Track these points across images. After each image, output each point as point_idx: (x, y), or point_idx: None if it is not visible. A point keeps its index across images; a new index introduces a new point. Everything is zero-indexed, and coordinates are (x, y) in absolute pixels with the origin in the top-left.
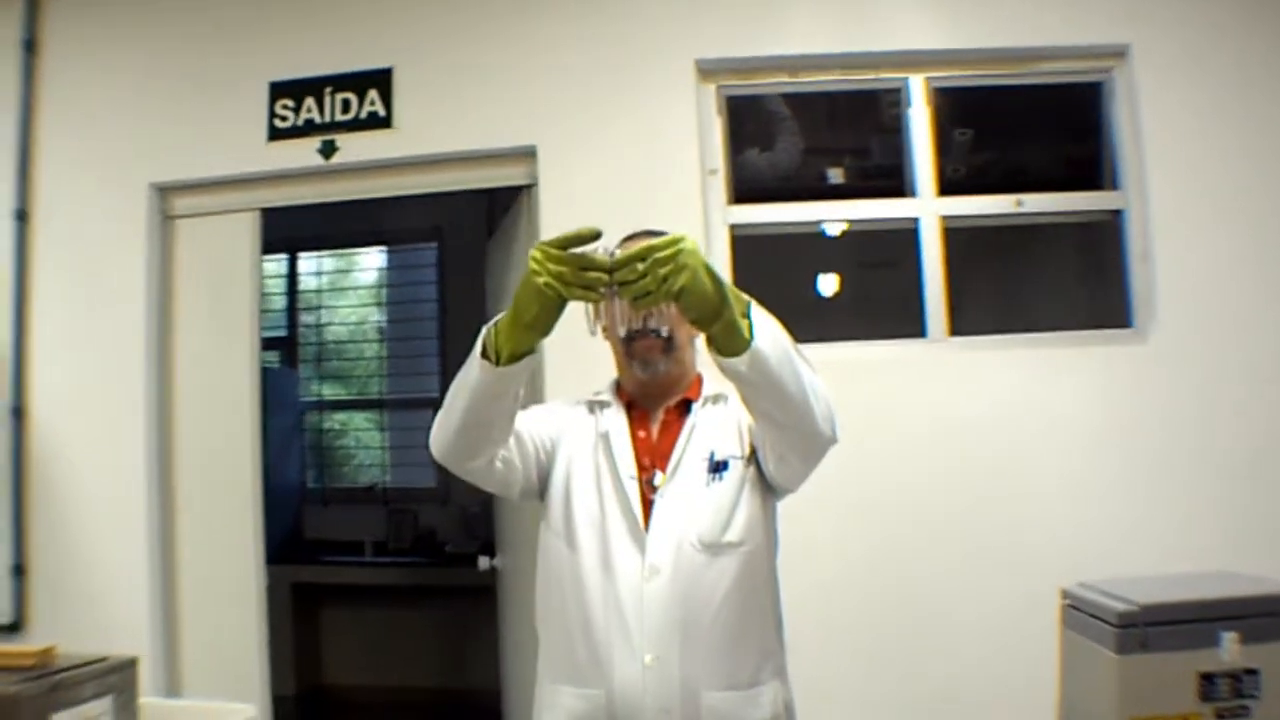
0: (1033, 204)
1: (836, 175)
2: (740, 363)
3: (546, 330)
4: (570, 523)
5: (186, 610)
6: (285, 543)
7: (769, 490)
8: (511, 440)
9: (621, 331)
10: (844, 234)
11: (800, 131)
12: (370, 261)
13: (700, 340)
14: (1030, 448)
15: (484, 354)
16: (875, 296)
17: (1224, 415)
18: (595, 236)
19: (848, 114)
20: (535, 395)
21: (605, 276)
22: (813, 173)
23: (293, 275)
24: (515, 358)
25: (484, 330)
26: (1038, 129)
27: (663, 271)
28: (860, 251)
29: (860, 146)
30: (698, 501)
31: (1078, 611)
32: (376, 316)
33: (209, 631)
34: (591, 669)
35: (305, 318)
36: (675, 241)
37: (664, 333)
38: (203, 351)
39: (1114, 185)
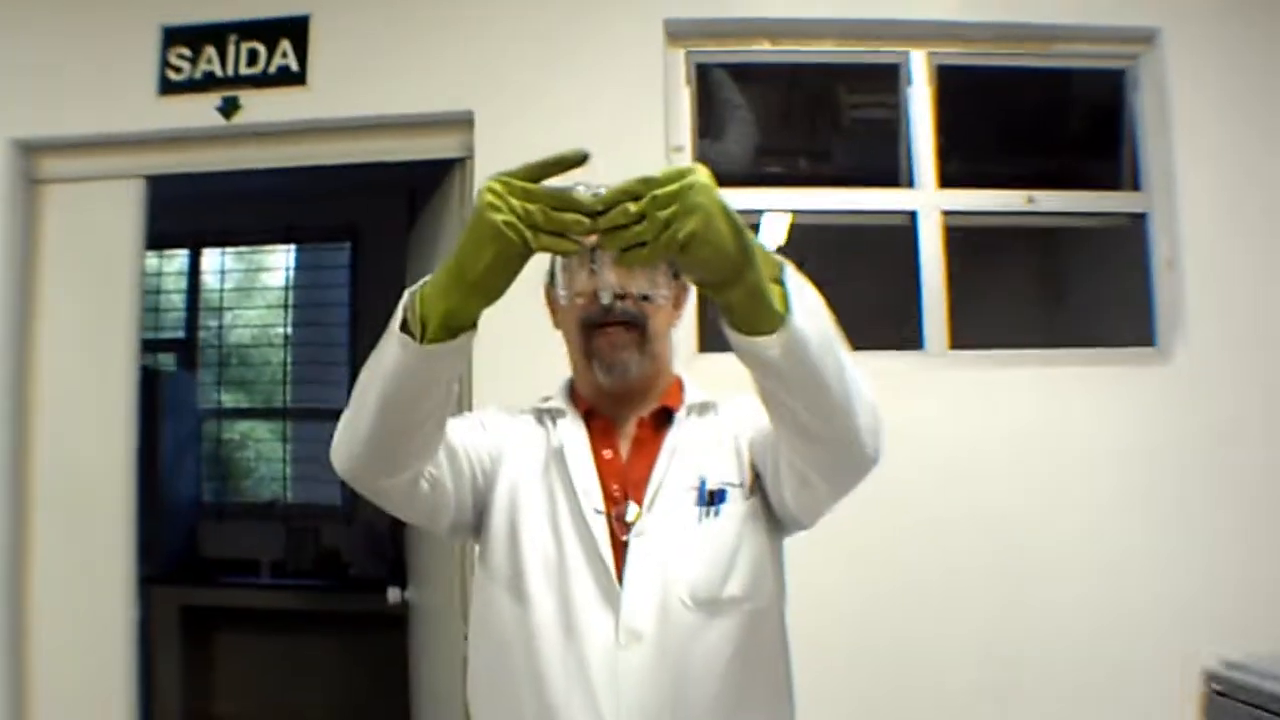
0: (1046, 202)
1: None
2: (769, 345)
3: (496, 292)
4: (519, 570)
5: (40, 643)
6: (179, 561)
7: (777, 527)
8: (442, 454)
9: (605, 298)
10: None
11: (754, 124)
12: (278, 261)
13: (680, 333)
14: (1041, 480)
15: (405, 329)
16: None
17: (1258, 442)
18: (580, 161)
19: (809, 109)
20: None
21: (586, 220)
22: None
23: (194, 273)
24: (449, 332)
25: (405, 296)
26: (1047, 123)
27: (664, 215)
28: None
29: (821, 148)
30: (686, 544)
31: (1248, 706)
32: (283, 320)
33: (66, 667)
34: None
35: (207, 319)
36: (682, 174)
37: (660, 300)
38: (72, 343)
39: (1135, 185)
